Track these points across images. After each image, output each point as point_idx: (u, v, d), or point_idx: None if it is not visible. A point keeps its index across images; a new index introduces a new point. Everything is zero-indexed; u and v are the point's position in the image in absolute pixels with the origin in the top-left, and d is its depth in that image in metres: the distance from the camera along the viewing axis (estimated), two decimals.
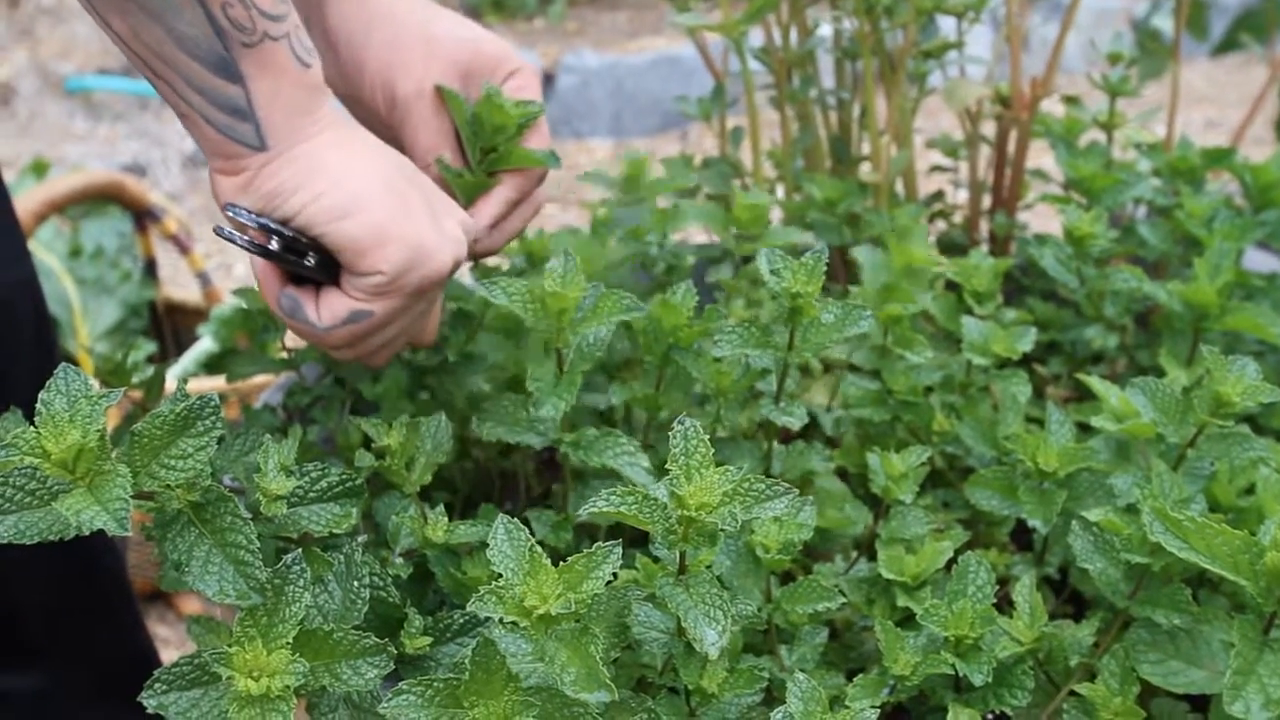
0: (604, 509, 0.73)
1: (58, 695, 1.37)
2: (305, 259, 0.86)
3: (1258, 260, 1.39)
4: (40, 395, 0.70)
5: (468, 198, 0.99)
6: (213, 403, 0.73)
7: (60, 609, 1.36)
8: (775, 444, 1.03)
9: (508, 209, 1.01)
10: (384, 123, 1.01)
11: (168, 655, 1.94)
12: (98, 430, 0.69)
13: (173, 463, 0.71)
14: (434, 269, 0.87)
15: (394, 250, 0.84)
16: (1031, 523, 0.94)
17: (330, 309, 0.88)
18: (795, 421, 1.00)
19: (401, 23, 0.99)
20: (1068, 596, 1.03)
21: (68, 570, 1.34)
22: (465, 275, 1.32)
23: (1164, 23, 1.98)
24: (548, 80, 4.25)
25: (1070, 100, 1.43)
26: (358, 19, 0.99)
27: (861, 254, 1.18)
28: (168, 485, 0.72)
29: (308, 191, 0.83)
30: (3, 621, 1.32)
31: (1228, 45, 1.96)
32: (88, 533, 0.67)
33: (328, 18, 1.00)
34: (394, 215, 0.85)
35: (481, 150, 0.98)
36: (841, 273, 1.40)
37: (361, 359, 0.94)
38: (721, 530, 0.73)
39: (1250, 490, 0.94)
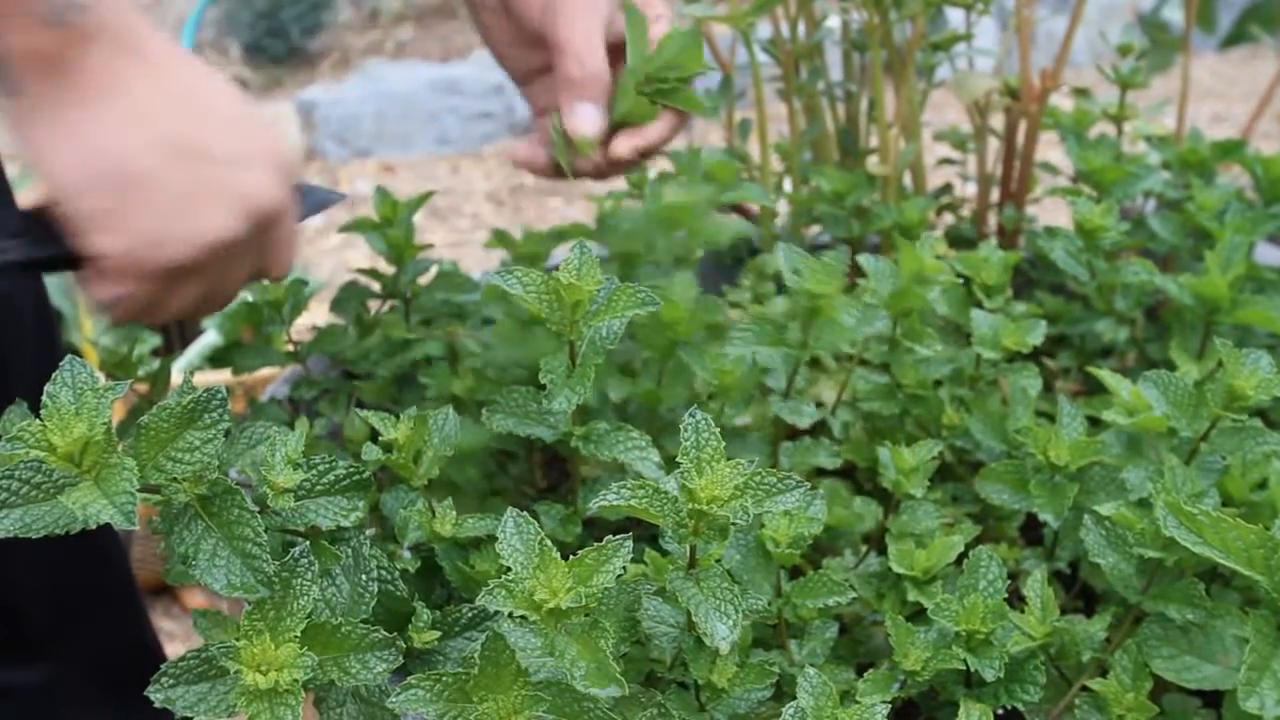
0: (615, 502, 0.72)
1: (62, 690, 1.36)
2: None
3: (1269, 254, 1.38)
4: (46, 388, 0.70)
5: (621, 116, 0.98)
6: (219, 395, 0.72)
7: (66, 604, 1.35)
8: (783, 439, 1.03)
9: (648, 148, 1.00)
10: (533, 25, 1.00)
11: (173, 649, 1.93)
12: (104, 423, 0.68)
13: (180, 455, 0.71)
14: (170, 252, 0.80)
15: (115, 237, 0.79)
16: (1043, 517, 0.93)
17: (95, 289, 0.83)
18: (804, 419, 0.99)
19: None
20: (1078, 591, 1.03)
21: (73, 565, 1.34)
22: (475, 266, 1.31)
23: (1171, 15, 1.97)
24: None
25: (1080, 92, 1.43)
26: None
27: (867, 263, 1.17)
28: (174, 478, 0.71)
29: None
30: (8, 616, 1.32)
31: (1236, 37, 1.95)
32: (94, 526, 0.67)
33: None
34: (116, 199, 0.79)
35: (648, 77, 0.98)
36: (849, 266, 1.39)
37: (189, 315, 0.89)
38: (733, 524, 0.73)
39: (1263, 485, 0.94)
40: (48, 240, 0.80)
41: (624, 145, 0.99)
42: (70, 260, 0.81)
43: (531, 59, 1.04)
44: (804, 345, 0.99)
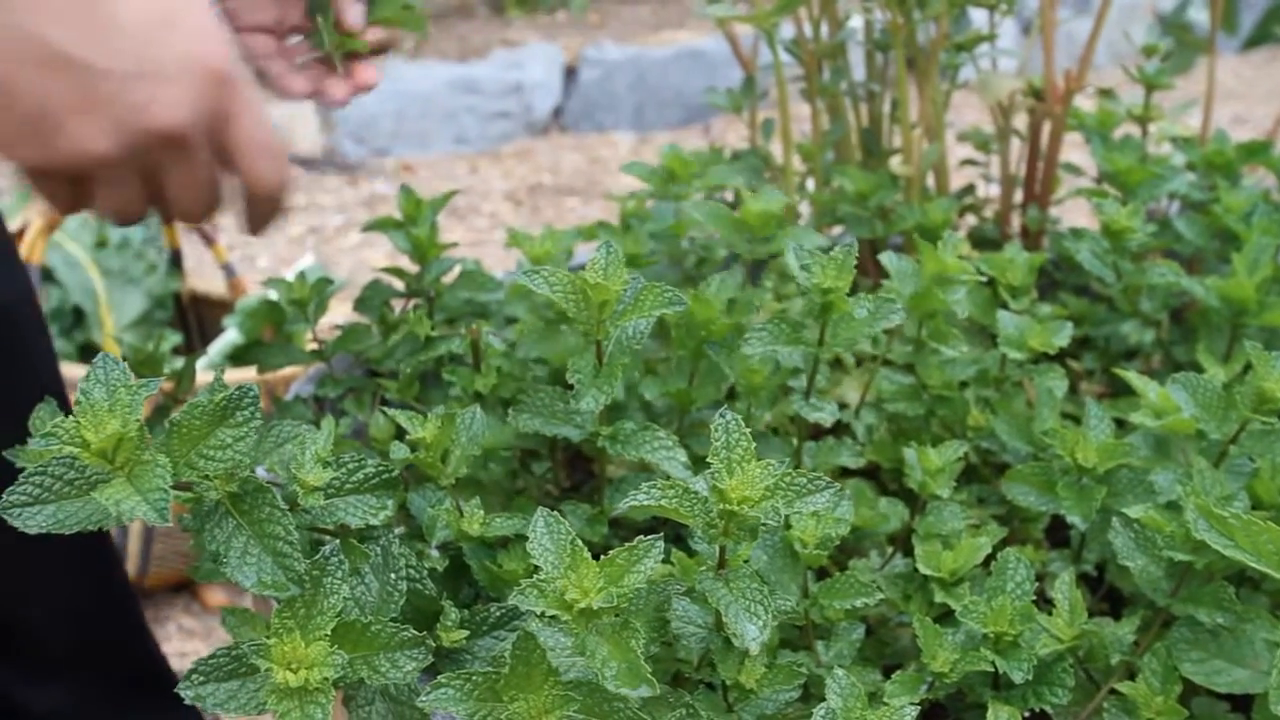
0: (645, 502, 0.72)
1: (76, 710, 1.36)
2: None
3: None
4: (79, 384, 0.70)
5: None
6: (252, 393, 0.72)
7: (78, 622, 1.35)
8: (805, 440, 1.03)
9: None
10: None
11: (194, 646, 1.94)
12: (137, 420, 0.69)
13: (212, 453, 0.71)
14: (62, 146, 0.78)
15: None
16: (1071, 519, 0.93)
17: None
18: (826, 417, 0.99)
19: None
20: (1104, 594, 1.02)
21: (84, 583, 1.34)
22: (494, 266, 1.31)
23: (1194, 15, 1.96)
24: (570, 73, 4.24)
25: (1105, 93, 1.42)
26: None
27: (889, 261, 1.16)
28: (206, 476, 0.72)
29: None
30: (25, 636, 1.32)
31: (1259, 38, 1.94)
32: (127, 523, 0.67)
33: None
34: None
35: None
36: (872, 267, 1.39)
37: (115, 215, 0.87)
38: (763, 525, 0.73)
39: None
40: None
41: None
42: None
43: None
44: (821, 343, 0.99)
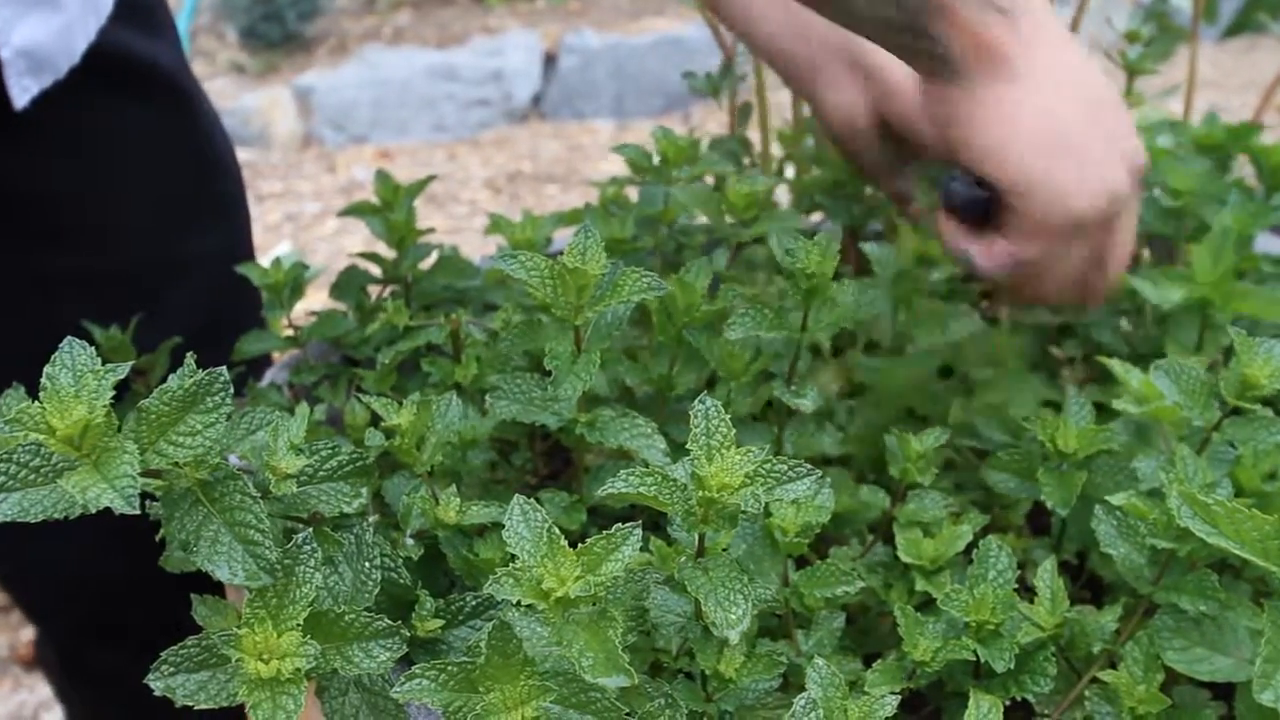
0: (623, 489, 0.71)
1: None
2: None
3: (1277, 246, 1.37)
4: (45, 369, 0.68)
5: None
6: (221, 378, 0.71)
7: (142, 584, 1.35)
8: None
9: None
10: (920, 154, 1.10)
11: None
12: (104, 406, 0.67)
13: (181, 440, 0.70)
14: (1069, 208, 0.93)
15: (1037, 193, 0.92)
16: (1051, 505, 0.92)
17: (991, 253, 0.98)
18: (808, 404, 0.98)
19: None
20: (1085, 582, 1.02)
21: (143, 547, 1.35)
22: (473, 253, 1.30)
23: (1175, 2, 1.96)
24: (549, 60, 4.22)
25: None
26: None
27: (871, 250, 1.15)
28: (176, 463, 0.70)
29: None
30: (113, 603, 1.36)
31: (1240, 26, 1.94)
32: (94, 510, 0.66)
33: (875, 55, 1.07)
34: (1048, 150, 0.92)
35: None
36: (851, 254, 1.38)
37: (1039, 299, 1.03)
38: (743, 512, 0.72)
39: (1274, 475, 0.93)
40: (977, 186, 0.97)
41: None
42: (986, 207, 0.97)
43: (898, 152, 1.13)
44: (804, 328, 0.98)
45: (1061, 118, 0.92)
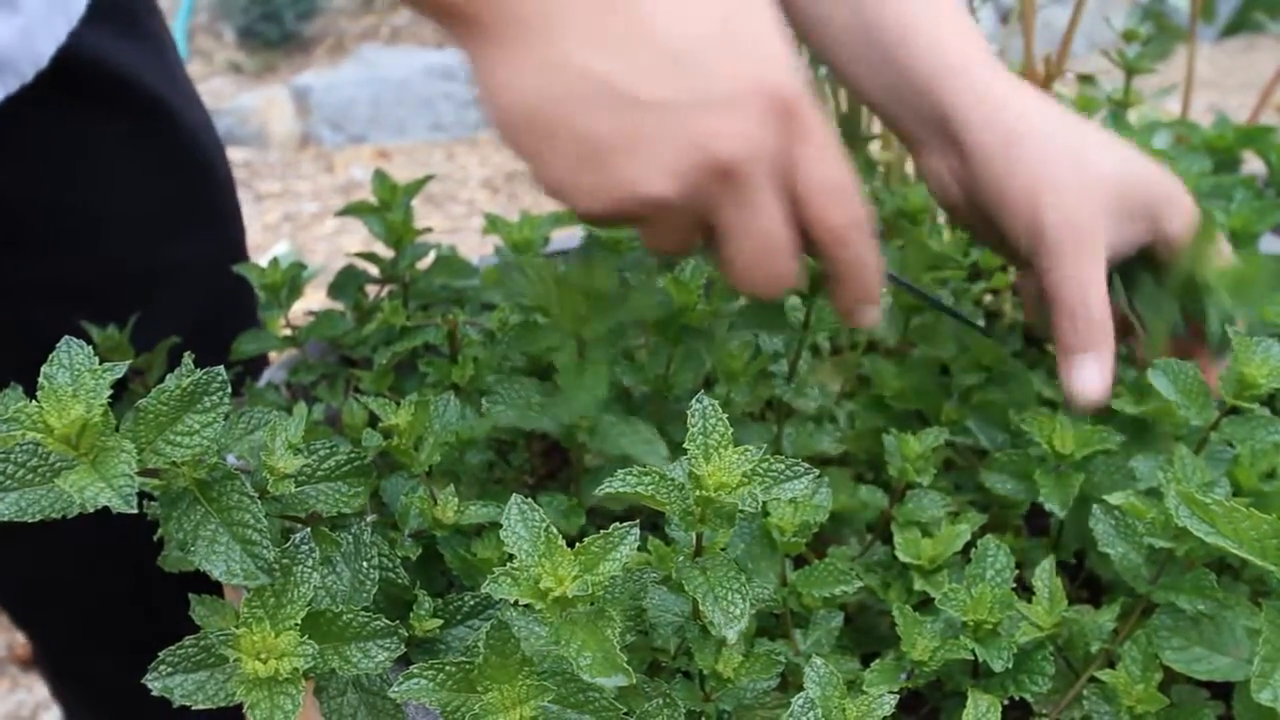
0: (620, 489, 0.71)
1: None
2: None
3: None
4: (43, 368, 0.68)
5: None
6: (220, 378, 0.71)
7: (131, 593, 1.35)
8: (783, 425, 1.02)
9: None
10: (1017, 250, 0.92)
11: None
12: (101, 405, 0.67)
13: (179, 439, 0.70)
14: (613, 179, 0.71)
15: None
16: (1048, 506, 0.92)
17: None
18: (810, 403, 0.98)
19: (1049, 138, 0.89)
20: (1083, 581, 1.02)
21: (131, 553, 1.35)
22: (470, 253, 1.30)
23: (1173, 1, 1.96)
24: None
25: (1085, 79, 1.42)
26: (994, 133, 0.89)
27: None
28: (173, 462, 0.70)
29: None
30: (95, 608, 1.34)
31: (1238, 26, 1.94)
32: (91, 510, 0.66)
33: (967, 133, 0.90)
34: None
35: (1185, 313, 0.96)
36: None
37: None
38: (740, 511, 0.72)
39: (1272, 475, 0.93)
40: None
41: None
42: None
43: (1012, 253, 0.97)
44: (806, 327, 0.98)
45: (551, 101, 0.70)
